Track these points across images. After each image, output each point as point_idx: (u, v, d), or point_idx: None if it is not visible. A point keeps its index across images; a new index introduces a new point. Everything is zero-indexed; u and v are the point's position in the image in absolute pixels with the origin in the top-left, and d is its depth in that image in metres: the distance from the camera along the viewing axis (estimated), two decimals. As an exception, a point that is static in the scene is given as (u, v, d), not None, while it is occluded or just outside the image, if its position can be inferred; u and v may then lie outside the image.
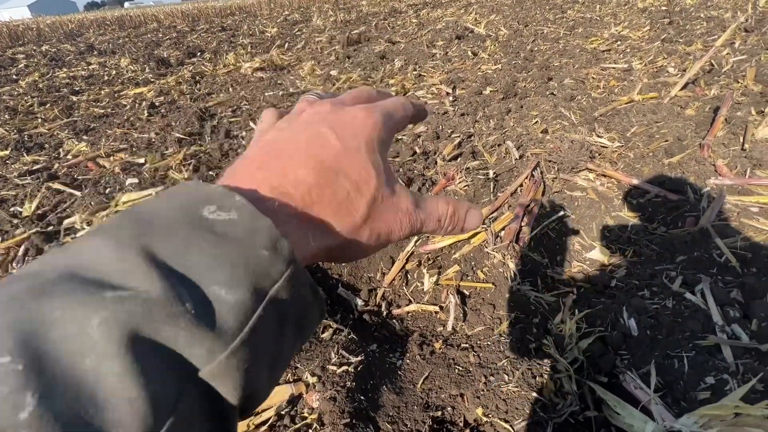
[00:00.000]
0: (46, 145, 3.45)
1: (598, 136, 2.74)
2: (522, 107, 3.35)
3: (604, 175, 2.37)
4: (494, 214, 2.13)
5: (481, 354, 1.50)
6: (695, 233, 1.86)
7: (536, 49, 5.08)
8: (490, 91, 3.93)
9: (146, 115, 4.04)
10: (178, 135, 3.40)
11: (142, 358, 0.20)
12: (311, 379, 1.33)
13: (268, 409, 1.24)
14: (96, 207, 2.36)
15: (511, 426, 1.25)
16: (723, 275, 1.62)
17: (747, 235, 1.77)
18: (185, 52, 6.95)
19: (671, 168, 2.36)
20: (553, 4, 7.69)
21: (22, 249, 2.11)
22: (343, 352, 1.44)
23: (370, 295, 1.99)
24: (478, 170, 2.54)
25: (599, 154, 2.57)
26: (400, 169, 2.60)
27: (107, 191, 2.57)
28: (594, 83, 3.75)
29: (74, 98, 4.76)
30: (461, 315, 1.71)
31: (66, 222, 2.29)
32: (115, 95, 4.86)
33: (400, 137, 3.17)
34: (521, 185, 2.31)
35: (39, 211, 2.45)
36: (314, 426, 1.22)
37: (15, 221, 2.31)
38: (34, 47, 8.65)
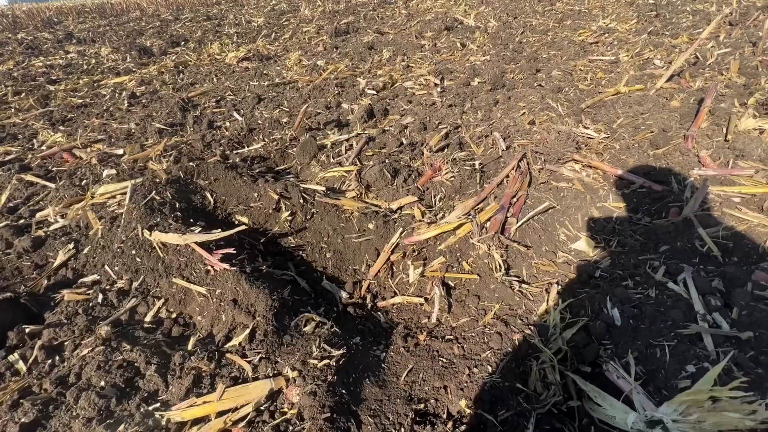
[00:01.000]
0: (20, 136, 3.31)
1: (585, 128, 2.73)
2: (510, 98, 3.33)
3: (590, 166, 2.37)
4: (480, 205, 2.11)
5: (465, 345, 1.48)
6: (678, 223, 1.86)
7: (525, 41, 5.06)
8: (479, 83, 3.90)
9: (126, 105, 3.91)
10: (159, 125, 3.30)
11: None
12: (291, 374, 1.29)
13: (246, 405, 1.21)
14: (71, 199, 2.27)
15: (494, 417, 1.24)
16: (705, 264, 1.63)
17: (729, 225, 1.79)
18: (169, 41, 6.75)
19: (656, 159, 2.37)
20: (543, -4, 7.66)
21: (-9, 243, 2.02)
22: (325, 346, 1.41)
23: (354, 288, 1.96)
24: (464, 161, 2.52)
25: (585, 145, 2.56)
26: (386, 160, 2.56)
27: (83, 183, 2.48)
28: (581, 75, 3.74)
29: (51, 87, 4.58)
30: (446, 306, 1.70)
31: (38, 215, 2.20)
32: (95, 85, 4.70)
33: (386, 128, 3.12)
34: (508, 176, 2.29)
35: (10, 204, 2.35)
36: (294, 421, 1.19)
37: (-15, 214, 2.21)
38: (9, 35, 8.32)
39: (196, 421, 1.18)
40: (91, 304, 1.60)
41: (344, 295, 1.91)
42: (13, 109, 3.90)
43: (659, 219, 1.99)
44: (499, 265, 1.74)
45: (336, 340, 1.47)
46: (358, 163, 2.60)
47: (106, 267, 1.75)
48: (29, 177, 2.58)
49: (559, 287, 1.69)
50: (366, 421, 1.22)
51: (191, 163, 2.40)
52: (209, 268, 1.66)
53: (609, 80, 3.55)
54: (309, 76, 4.51)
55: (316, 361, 1.33)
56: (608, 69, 3.80)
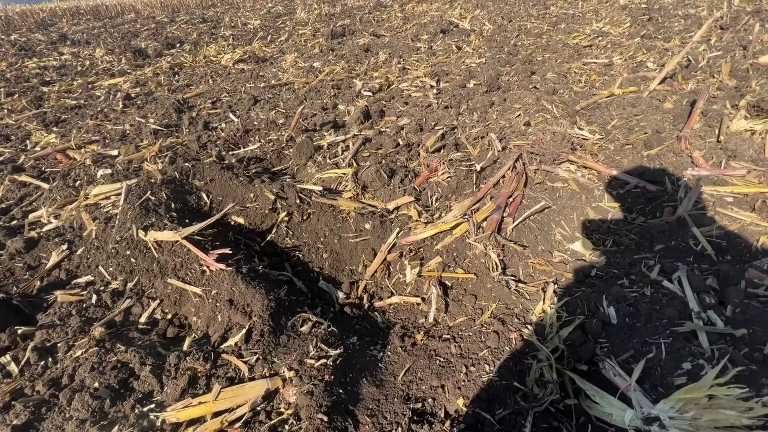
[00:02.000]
0: (13, 137, 3.28)
1: (580, 129, 2.76)
2: (505, 100, 3.35)
3: (585, 167, 2.38)
4: (477, 205, 2.12)
5: (462, 345, 1.48)
6: (673, 223, 1.88)
7: (520, 43, 5.10)
8: (474, 85, 3.92)
9: (121, 106, 3.89)
10: (154, 126, 3.28)
11: None
12: (288, 374, 1.28)
13: (242, 405, 1.20)
14: (64, 200, 2.25)
15: (492, 416, 1.23)
16: (699, 263, 1.64)
17: (722, 224, 1.80)
18: (164, 43, 6.73)
19: (650, 159, 2.39)
20: (537, 0, 7.74)
21: (-17, 244, 1.99)
22: (322, 346, 1.40)
23: (351, 288, 1.95)
24: (461, 162, 2.53)
25: (580, 146, 2.58)
26: (383, 161, 2.56)
27: (77, 184, 2.46)
28: (576, 77, 3.77)
29: (44, 89, 4.54)
30: (443, 306, 1.69)
31: (31, 216, 2.17)
32: (89, 86, 4.66)
33: (383, 130, 3.13)
34: (504, 176, 2.30)
35: (2, 205, 2.33)
36: (290, 421, 1.18)
37: (-24, 215, 2.19)
38: (2, 36, 8.25)
39: (192, 422, 1.17)
40: (84, 305, 1.58)
41: (341, 295, 1.90)
42: (6, 111, 3.86)
43: (654, 218, 2.01)
44: (496, 264, 1.75)
45: (333, 339, 1.46)
46: (354, 163, 2.60)
47: (101, 268, 1.74)
48: (22, 178, 2.55)
49: (556, 286, 1.70)
50: (363, 421, 1.22)
51: (187, 164, 2.39)
52: (205, 268, 1.65)
53: (603, 82, 3.58)
54: (305, 77, 4.51)
55: (312, 361, 1.32)
56: (602, 71, 3.84)
